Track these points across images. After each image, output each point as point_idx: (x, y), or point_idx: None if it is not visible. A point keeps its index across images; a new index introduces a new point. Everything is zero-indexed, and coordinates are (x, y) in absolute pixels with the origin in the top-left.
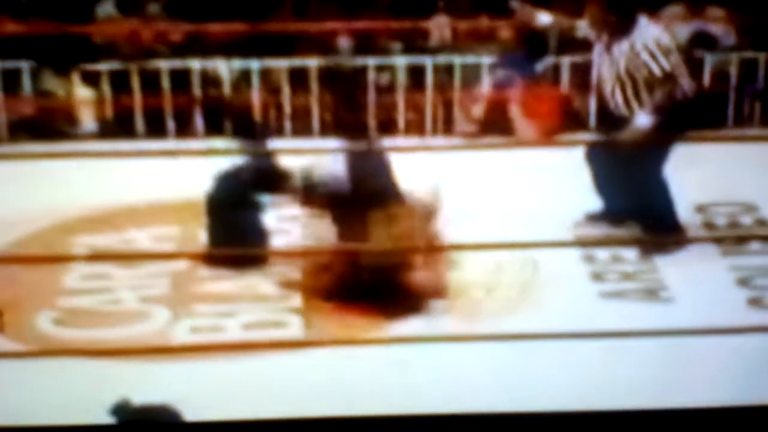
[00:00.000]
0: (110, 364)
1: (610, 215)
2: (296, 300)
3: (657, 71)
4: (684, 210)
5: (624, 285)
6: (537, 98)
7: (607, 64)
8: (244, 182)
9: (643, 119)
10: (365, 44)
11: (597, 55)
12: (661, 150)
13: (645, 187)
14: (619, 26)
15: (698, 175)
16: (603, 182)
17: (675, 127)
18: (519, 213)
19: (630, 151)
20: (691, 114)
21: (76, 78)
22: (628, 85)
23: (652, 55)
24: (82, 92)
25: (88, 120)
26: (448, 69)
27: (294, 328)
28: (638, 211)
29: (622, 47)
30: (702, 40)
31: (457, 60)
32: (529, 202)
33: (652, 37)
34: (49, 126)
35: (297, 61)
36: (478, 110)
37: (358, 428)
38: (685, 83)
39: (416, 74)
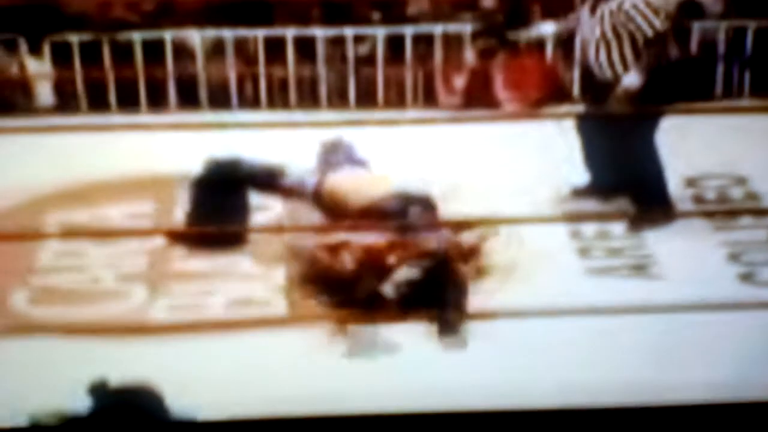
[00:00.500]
0: (87, 344)
1: (599, 189)
2: (279, 277)
3: (648, 30)
4: (673, 184)
5: (612, 261)
6: (521, 69)
7: (591, 25)
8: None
9: (631, 78)
10: (343, 13)
11: (581, 16)
12: (651, 120)
13: (636, 159)
14: None
15: (687, 147)
16: (593, 154)
17: (662, 92)
18: (504, 187)
19: (620, 122)
20: (678, 79)
21: (25, 51)
22: (614, 45)
23: (642, 14)
24: (34, 66)
25: (45, 93)
26: (429, 39)
27: (276, 306)
28: (629, 183)
29: (609, 6)
30: (689, 8)
31: (438, 29)
32: (515, 176)
33: None
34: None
35: (273, 31)
36: (459, 82)
37: (356, 428)
38: (672, 47)
39: (395, 45)
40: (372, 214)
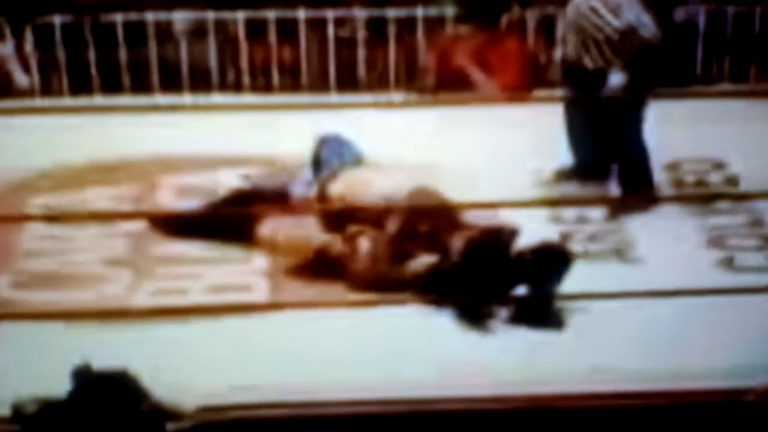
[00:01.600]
0: (70, 328)
1: (583, 172)
2: (262, 262)
3: (608, 30)
4: (654, 168)
5: (591, 245)
6: (500, 53)
7: (566, 27)
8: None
9: (615, 79)
10: None
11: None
12: (636, 104)
13: (622, 142)
14: None
15: (666, 132)
16: (577, 136)
17: (646, 79)
18: (484, 171)
19: (606, 107)
20: (659, 64)
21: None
22: (592, 42)
23: (599, 15)
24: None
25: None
26: (411, 21)
27: (260, 291)
28: (614, 166)
29: (572, 7)
30: None
31: (420, 12)
32: (495, 159)
33: None
34: None
35: (255, 13)
36: (439, 65)
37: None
38: (647, 33)
39: (377, 27)
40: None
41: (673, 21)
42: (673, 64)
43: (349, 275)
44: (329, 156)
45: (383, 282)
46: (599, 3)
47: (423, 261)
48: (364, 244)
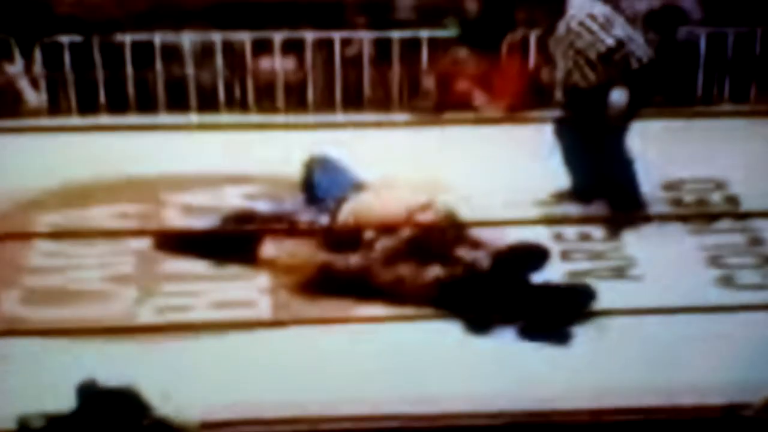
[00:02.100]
0: (76, 345)
1: (579, 192)
2: (264, 279)
3: (601, 47)
4: (653, 187)
5: (592, 264)
6: (502, 74)
7: (555, 44)
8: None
9: (617, 96)
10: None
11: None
12: (624, 122)
13: (608, 163)
14: (551, 8)
15: (667, 151)
16: (570, 158)
17: (640, 95)
18: (486, 190)
19: (593, 127)
20: (648, 82)
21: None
22: (578, 62)
23: (590, 32)
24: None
25: (30, 94)
26: (415, 43)
27: (262, 307)
28: (605, 187)
29: (561, 27)
30: (670, 13)
31: (424, 34)
32: (497, 178)
33: (586, 13)
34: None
35: (262, 34)
36: (443, 85)
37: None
38: (638, 49)
39: (383, 48)
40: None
41: (676, 41)
42: (674, 83)
43: (367, 280)
44: (326, 184)
45: (400, 287)
46: (590, 20)
47: (437, 271)
48: (382, 246)
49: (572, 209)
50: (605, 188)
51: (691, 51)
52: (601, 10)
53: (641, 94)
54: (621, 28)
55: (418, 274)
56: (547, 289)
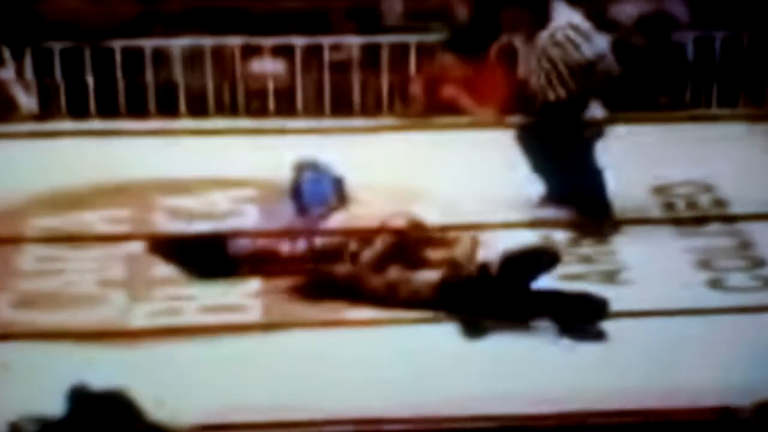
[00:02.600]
0: (67, 348)
1: (553, 199)
2: (255, 284)
3: (580, 58)
4: (642, 191)
5: (583, 267)
6: (489, 79)
7: (527, 53)
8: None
9: (594, 111)
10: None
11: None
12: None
13: (582, 172)
14: (534, 17)
15: (655, 155)
16: (537, 166)
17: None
18: (474, 194)
19: (565, 138)
20: (618, 94)
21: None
22: (550, 75)
23: (574, 45)
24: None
25: (23, 99)
26: (404, 48)
27: (253, 312)
28: (572, 194)
29: (544, 37)
30: (659, 20)
31: (413, 39)
32: (485, 182)
33: (569, 24)
34: None
35: (251, 39)
36: (428, 90)
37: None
38: (612, 61)
39: (371, 53)
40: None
41: (669, 46)
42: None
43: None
44: (311, 193)
45: (393, 293)
46: (573, 32)
47: (431, 275)
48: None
49: (561, 213)
50: (573, 195)
51: (678, 55)
52: (583, 21)
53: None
54: (601, 41)
55: (408, 279)
56: (556, 295)
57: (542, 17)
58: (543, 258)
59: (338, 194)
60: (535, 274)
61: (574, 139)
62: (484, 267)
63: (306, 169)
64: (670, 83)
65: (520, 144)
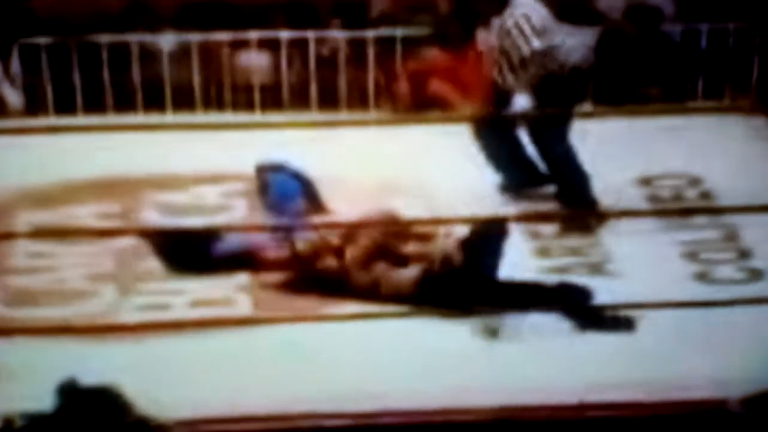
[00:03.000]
0: (57, 344)
1: (513, 187)
2: (244, 278)
3: (524, 50)
4: (628, 183)
5: (570, 260)
6: (474, 72)
7: (486, 38)
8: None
9: (521, 101)
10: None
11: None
12: (561, 123)
13: (555, 161)
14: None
15: (642, 147)
16: (491, 157)
17: (558, 102)
18: (459, 186)
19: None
20: (570, 89)
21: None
22: (504, 62)
23: (522, 33)
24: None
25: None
26: (390, 42)
27: (241, 306)
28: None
29: (496, 24)
30: (642, 12)
31: (399, 32)
32: (470, 175)
33: (522, 14)
34: None
35: (238, 34)
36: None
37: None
38: (572, 53)
39: (357, 47)
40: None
41: (658, 37)
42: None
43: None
44: (278, 194)
45: (376, 289)
46: (524, 21)
47: (411, 271)
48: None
49: (550, 206)
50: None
51: (668, 46)
52: (539, 13)
53: (570, 97)
54: (553, 36)
55: (390, 276)
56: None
57: (501, 4)
58: (494, 232)
59: (308, 195)
60: (494, 250)
61: (550, 130)
62: (446, 259)
63: (268, 170)
64: (661, 74)
65: (477, 137)
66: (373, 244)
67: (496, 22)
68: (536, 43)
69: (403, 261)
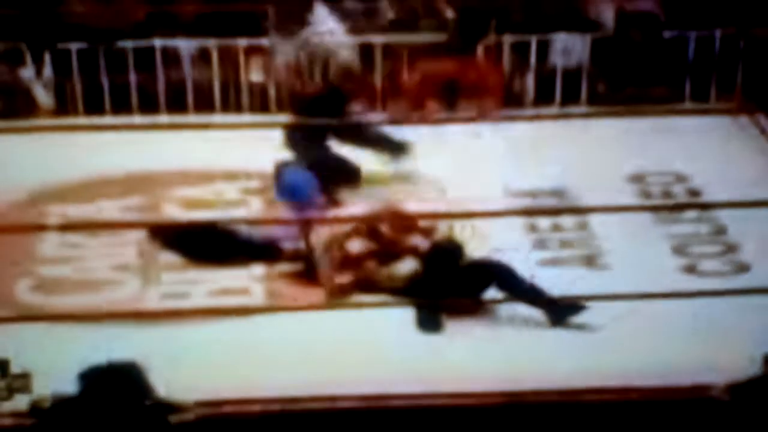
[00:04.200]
0: (84, 329)
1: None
2: (258, 269)
3: (322, 55)
4: (621, 180)
5: (563, 252)
6: (478, 76)
7: (284, 47)
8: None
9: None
10: None
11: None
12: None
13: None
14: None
15: (633, 146)
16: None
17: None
18: (464, 183)
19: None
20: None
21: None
22: (301, 72)
23: (319, 46)
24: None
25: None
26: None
27: (256, 295)
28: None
29: (302, 36)
30: (635, 19)
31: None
32: (475, 173)
33: (317, 29)
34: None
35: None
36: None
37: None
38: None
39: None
40: None
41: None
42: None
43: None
44: (292, 185)
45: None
46: (323, 37)
47: (405, 267)
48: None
49: (545, 202)
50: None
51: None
52: (333, 27)
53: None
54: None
55: (388, 270)
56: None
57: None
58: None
59: (327, 193)
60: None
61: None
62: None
63: (285, 167)
64: (668, 76)
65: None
66: (373, 240)
67: (302, 33)
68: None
69: (401, 255)
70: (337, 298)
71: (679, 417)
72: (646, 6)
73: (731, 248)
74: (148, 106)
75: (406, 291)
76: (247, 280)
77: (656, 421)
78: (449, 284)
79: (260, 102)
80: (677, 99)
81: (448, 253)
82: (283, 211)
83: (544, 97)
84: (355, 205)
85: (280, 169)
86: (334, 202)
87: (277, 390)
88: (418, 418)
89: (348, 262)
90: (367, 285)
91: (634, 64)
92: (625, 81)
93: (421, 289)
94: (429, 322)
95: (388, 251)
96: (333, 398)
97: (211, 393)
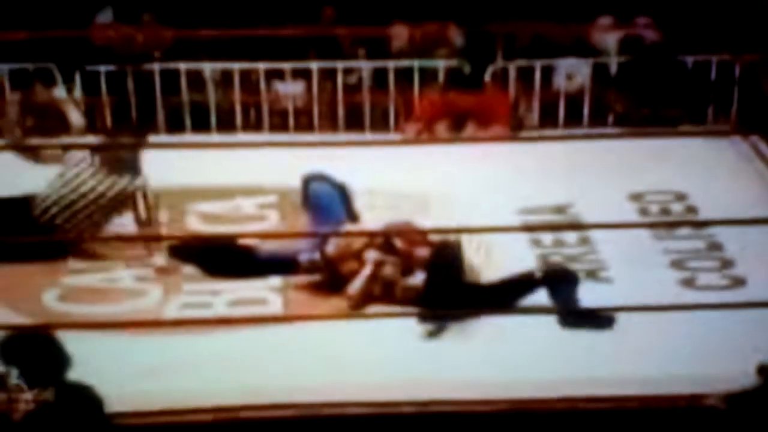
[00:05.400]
0: (108, 337)
1: None
2: (276, 280)
3: None
4: (621, 198)
5: (568, 266)
6: (487, 102)
7: None
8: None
9: None
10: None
11: None
12: None
13: None
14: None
15: (633, 166)
16: None
17: None
18: (471, 200)
19: None
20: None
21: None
22: None
23: None
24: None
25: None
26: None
27: (273, 305)
28: None
29: None
30: (633, 44)
31: (416, 63)
32: (481, 190)
33: None
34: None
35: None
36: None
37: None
38: None
39: (380, 76)
40: None
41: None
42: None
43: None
44: (325, 211)
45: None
46: None
47: (417, 279)
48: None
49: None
50: None
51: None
52: None
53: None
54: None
55: (403, 283)
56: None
57: None
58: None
59: (348, 210)
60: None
61: None
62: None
63: (313, 181)
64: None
65: None
66: (387, 253)
67: None
68: None
69: (413, 269)
70: (355, 308)
71: (676, 426)
72: (649, 35)
73: (727, 264)
74: (174, 125)
75: (418, 302)
76: (265, 291)
77: (654, 429)
78: (455, 284)
79: (279, 122)
80: (691, 120)
81: (448, 250)
82: (305, 224)
83: (547, 118)
84: (372, 220)
85: (308, 181)
86: (353, 217)
87: (290, 396)
88: (427, 424)
89: (364, 273)
90: (381, 296)
91: (652, 86)
92: (643, 102)
93: (431, 296)
94: (437, 330)
95: (401, 264)
96: (344, 404)
97: (230, 398)
